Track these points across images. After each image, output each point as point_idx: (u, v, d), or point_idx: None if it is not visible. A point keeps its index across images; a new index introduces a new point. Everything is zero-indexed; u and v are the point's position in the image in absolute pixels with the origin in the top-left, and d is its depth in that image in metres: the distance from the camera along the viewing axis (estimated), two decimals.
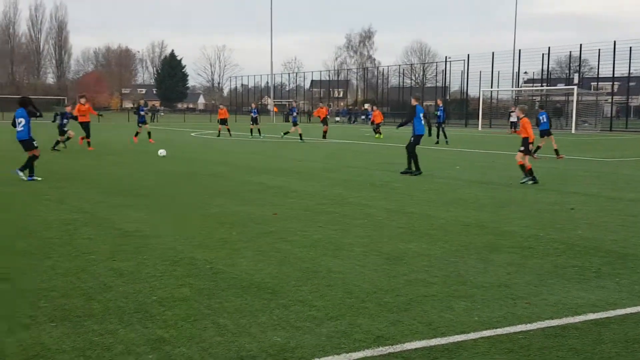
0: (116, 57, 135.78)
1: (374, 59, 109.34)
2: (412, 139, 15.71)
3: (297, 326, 4.88)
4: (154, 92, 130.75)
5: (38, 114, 14.15)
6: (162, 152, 20.39)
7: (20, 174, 13.59)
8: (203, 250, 7.38)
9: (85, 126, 23.37)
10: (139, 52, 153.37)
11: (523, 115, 14.45)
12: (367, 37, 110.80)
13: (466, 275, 6.38)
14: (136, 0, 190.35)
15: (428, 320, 5.05)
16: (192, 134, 36.78)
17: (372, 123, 37.68)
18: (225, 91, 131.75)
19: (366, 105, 38.83)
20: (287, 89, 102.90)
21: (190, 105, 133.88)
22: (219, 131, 35.07)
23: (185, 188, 12.86)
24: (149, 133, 27.95)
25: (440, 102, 32.84)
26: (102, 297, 5.55)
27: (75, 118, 23.17)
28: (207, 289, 5.84)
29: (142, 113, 28.13)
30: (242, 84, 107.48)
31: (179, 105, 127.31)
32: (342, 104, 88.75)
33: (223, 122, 35.09)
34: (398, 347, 4.48)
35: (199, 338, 4.63)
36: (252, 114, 35.28)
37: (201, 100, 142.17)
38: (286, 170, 16.68)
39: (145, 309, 5.26)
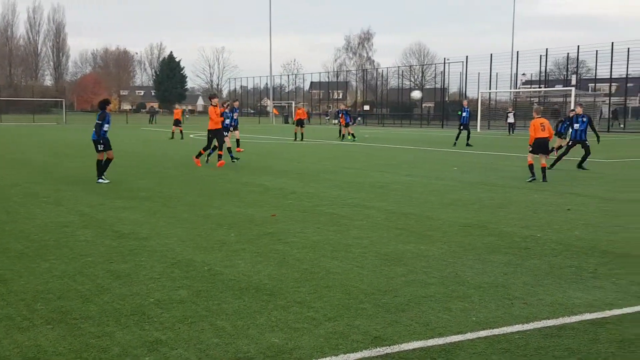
0: (114, 59, 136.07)
1: (373, 61, 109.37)
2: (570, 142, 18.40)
3: (295, 327, 4.88)
4: (153, 93, 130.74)
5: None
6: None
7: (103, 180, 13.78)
8: (201, 251, 7.38)
9: (218, 135, 18.14)
10: (137, 53, 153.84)
11: (538, 116, 15.19)
12: (366, 38, 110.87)
13: (464, 276, 6.39)
14: (134, 1, 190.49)
15: (425, 320, 5.05)
16: (190, 135, 36.74)
17: (342, 124, 34.65)
18: (225, 92, 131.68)
19: (342, 106, 37.51)
20: (287, 91, 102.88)
21: (190, 107, 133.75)
22: (172, 133, 33.62)
23: (184, 189, 12.85)
24: (238, 141, 23.49)
25: (465, 103, 30.28)
26: (98, 299, 5.55)
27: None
28: (204, 290, 5.84)
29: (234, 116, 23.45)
30: (241, 86, 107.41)
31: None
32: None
33: (177, 123, 33.98)
34: (395, 348, 4.48)
35: (197, 340, 4.63)
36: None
37: (200, 102, 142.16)
38: (286, 171, 16.68)
39: (142, 311, 5.26)
